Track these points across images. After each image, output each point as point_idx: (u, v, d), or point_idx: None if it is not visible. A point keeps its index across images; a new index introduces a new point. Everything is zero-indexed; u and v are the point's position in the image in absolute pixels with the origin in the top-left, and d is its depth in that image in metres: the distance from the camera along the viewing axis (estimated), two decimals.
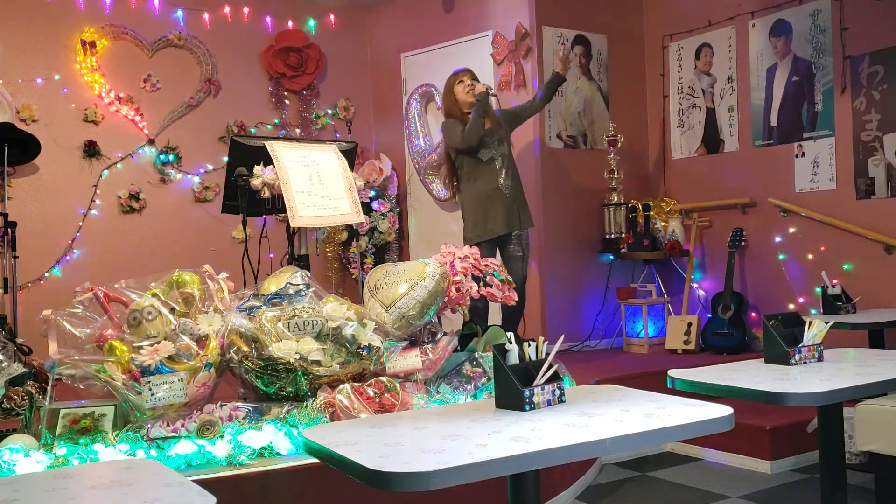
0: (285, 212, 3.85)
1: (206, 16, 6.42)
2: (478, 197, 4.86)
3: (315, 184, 3.95)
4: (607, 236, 5.99)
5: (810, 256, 5.34)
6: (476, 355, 3.68)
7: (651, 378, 4.53)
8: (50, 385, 3.03)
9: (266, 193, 3.91)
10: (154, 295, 3.24)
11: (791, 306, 5.37)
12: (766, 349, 2.68)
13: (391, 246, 6.78)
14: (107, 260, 5.89)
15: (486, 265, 3.94)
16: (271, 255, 4.32)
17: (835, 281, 4.73)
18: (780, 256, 5.51)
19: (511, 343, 2.12)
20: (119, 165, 6.07)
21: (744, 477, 4.05)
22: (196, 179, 6.33)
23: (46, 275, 5.78)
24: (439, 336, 3.64)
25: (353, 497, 2.88)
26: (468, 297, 3.84)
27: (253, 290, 3.49)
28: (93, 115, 5.97)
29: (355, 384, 3.17)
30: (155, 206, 6.19)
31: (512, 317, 4.73)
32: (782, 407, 2.78)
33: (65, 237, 5.88)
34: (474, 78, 4.97)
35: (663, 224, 6.01)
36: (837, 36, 5.19)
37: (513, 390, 2.05)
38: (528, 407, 2.03)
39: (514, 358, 2.11)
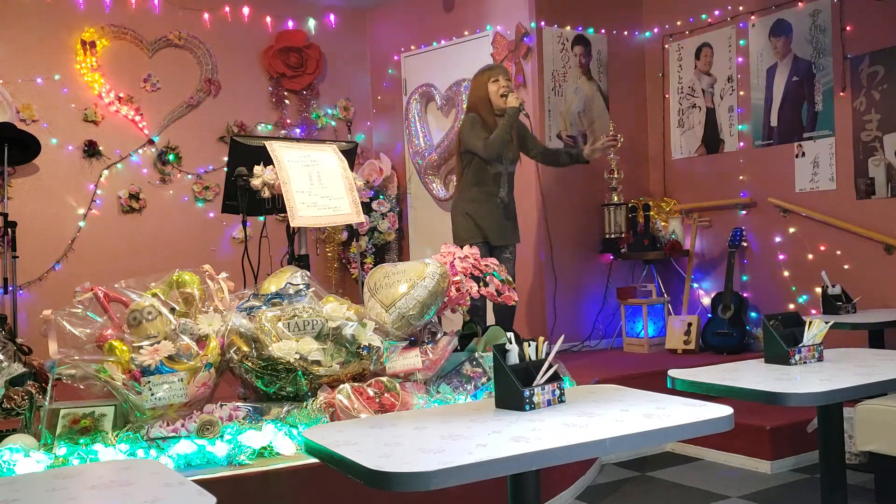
0: (285, 212, 3.85)
1: (206, 16, 6.42)
2: (474, 204, 4.83)
3: (315, 184, 3.95)
4: (607, 236, 5.99)
5: (810, 256, 5.34)
6: (476, 355, 3.68)
7: (651, 378, 4.53)
8: (50, 385, 3.03)
9: (266, 193, 3.91)
10: (154, 295, 3.24)
11: (791, 306, 5.37)
12: (766, 349, 2.68)
13: (391, 246, 6.78)
14: (107, 260, 5.89)
15: (486, 265, 3.94)
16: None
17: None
18: (780, 256, 5.51)
19: (511, 343, 2.12)
20: (119, 165, 6.07)
21: (744, 477, 4.05)
22: (196, 179, 6.33)
23: (46, 274, 5.78)
24: (439, 336, 3.64)
25: (353, 497, 2.88)
26: (468, 297, 3.84)
27: (253, 290, 3.49)
28: (93, 115, 5.97)
29: (355, 384, 3.17)
30: (155, 206, 6.19)
31: (505, 317, 4.73)
32: (782, 407, 2.77)
33: (65, 237, 5.88)
34: (509, 79, 4.89)
35: (663, 224, 6.01)
36: (837, 36, 5.19)
37: (513, 390, 2.05)
38: (528, 407, 2.03)
39: (514, 358, 2.11)
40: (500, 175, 4.85)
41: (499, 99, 4.79)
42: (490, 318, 4.94)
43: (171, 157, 6.23)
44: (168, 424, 2.94)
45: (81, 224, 5.93)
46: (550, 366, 2.09)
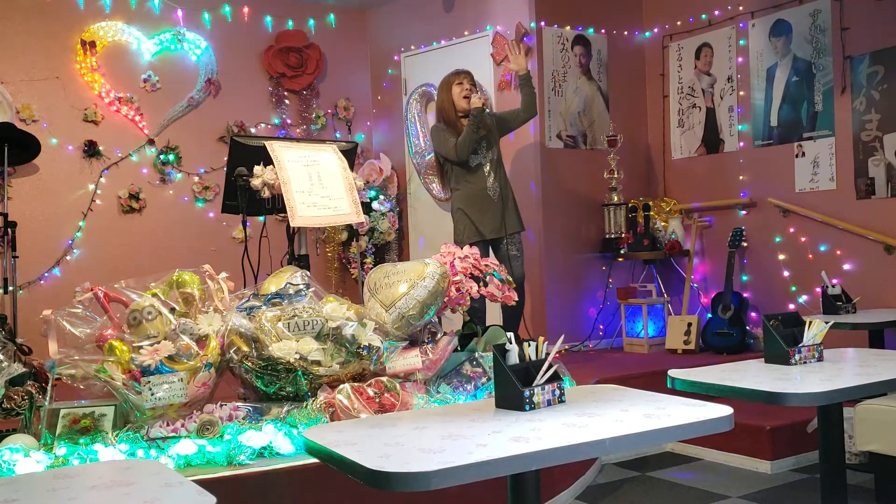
0: (285, 212, 3.85)
1: (206, 16, 6.42)
2: (466, 200, 4.88)
3: (315, 184, 3.95)
4: (607, 236, 5.99)
5: (810, 256, 5.34)
6: (476, 355, 3.68)
7: (651, 378, 4.53)
8: (50, 385, 3.03)
9: (266, 193, 3.91)
10: (154, 295, 3.24)
11: (791, 306, 5.37)
12: (766, 349, 2.68)
13: (391, 246, 6.78)
14: (107, 260, 5.89)
15: (486, 265, 3.94)
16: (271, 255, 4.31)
17: (835, 281, 4.73)
18: (780, 256, 5.51)
19: (511, 343, 2.12)
20: (119, 165, 6.07)
21: (744, 477, 4.05)
22: (196, 179, 6.33)
23: (46, 275, 5.78)
24: (439, 336, 3.64)
25: (353, 497, 2.88)
26: (468, 297, 3.84)
27: (253, 290, 3.49)
28: (93, 115, 5.97)
29: (355, 384, 3.17)
30: (155, 206, 6.19)
31: (513, 317, 4.74)
32: (782, 407, 2.78)
33: (65, 237, 5.88)
34: (473, 83, 4.96)
35: (663, 224, 6.00)
36: (837, 36, 5.19)
37: (513, 390, 2.05)
38: (528, 407, 2.03)
39: (514, 358, 2.11)
40: (482, 165, 4.91)
41: (461, 101, 4.90)
42: (497, 318, 4.94)
43: (171, 157, 6.23)
44: (168, 424, 2.94)
45: (81, 224, 5.93)
46: (550, 366, 2.09)
